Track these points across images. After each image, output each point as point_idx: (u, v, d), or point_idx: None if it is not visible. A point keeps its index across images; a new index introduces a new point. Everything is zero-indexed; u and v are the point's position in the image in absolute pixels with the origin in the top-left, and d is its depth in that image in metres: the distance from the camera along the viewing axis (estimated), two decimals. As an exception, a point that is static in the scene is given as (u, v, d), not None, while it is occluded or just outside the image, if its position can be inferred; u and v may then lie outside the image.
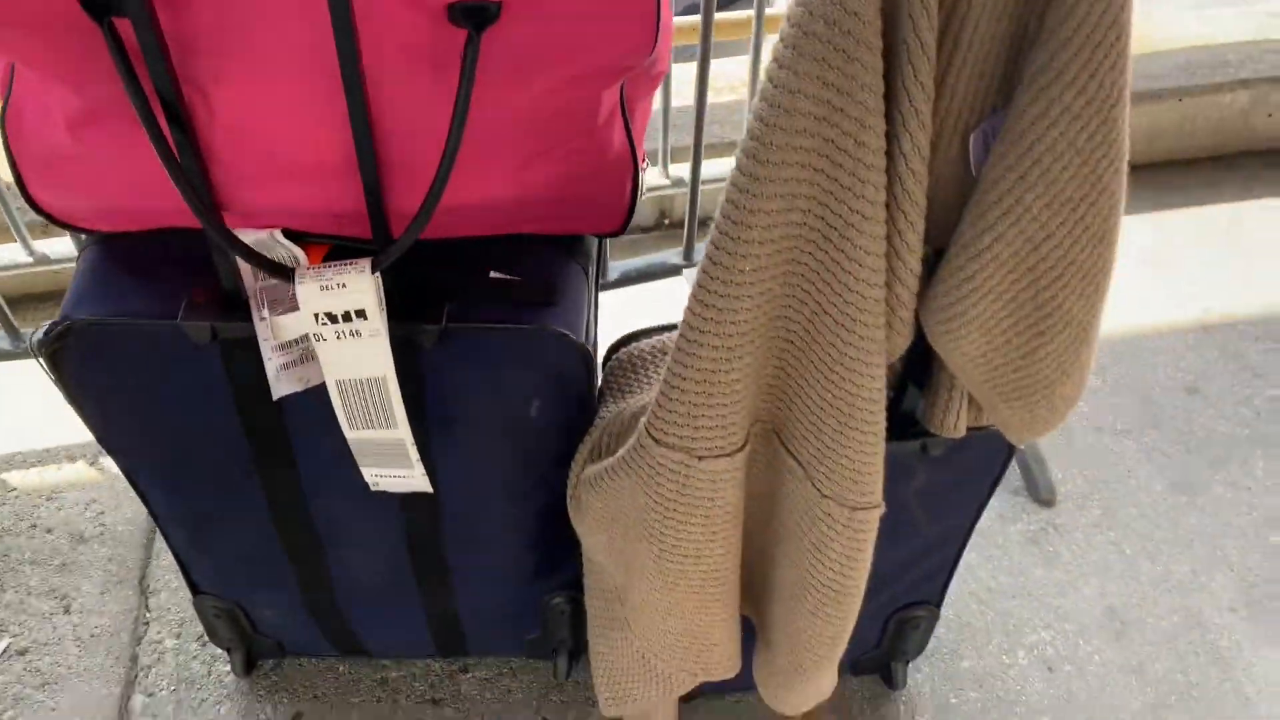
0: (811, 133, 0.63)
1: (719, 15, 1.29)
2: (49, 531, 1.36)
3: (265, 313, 0.76)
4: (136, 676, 1.23)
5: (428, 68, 0.68)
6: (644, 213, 1.85)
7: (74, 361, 0.82)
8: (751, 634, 1.06)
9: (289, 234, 0.79)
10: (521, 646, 1.20)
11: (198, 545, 1.03)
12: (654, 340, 0.98)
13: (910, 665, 1.25)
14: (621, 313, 1.35)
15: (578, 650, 1.21)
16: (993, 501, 1.37)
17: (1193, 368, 1.58)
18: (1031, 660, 1.26)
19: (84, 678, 1.22)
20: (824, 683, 1.02)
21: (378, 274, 0.73)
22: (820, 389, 0.74)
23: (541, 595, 1.11)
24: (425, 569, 1.03)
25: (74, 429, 1.46)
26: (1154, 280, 1.71)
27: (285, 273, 0.73)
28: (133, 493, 1.37)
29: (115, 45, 0.63)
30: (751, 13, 1.49)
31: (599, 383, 0.96)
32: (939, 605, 1.13)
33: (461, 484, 0.93)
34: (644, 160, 0.86)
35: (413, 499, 0.94)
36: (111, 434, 0.90)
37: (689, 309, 0.72)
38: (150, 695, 1.22)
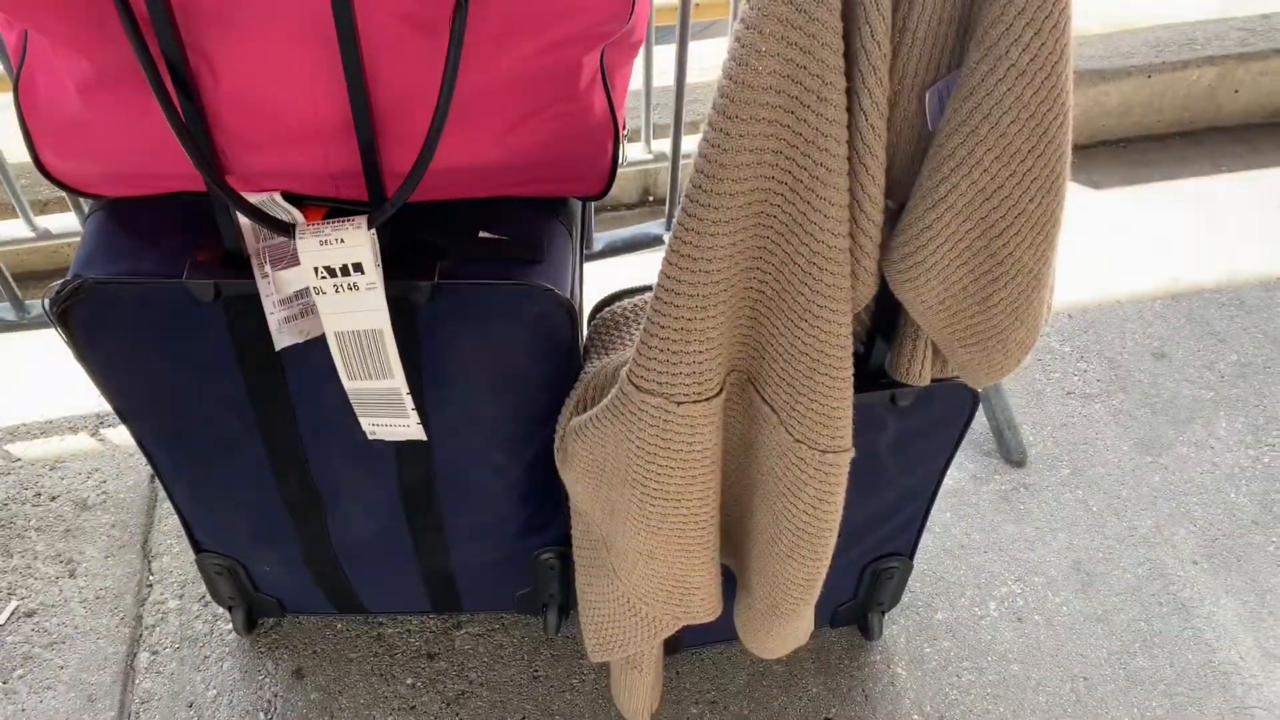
0: (777, 89, 0.68)
1: (698, -7, 1.34)
2: (53, 499, 1.40)
3: (268, 269, 0.81)
4: (141, 636, 1.28)
5: (419, 34, 0.72)
6: (628, 189, 1.89)
7: (83, 319, 0.86)
8: (732, 584, 1.11)
9: (288, 197, 0.83)
10: (513, 602, 1.25)
11: (201, 502, 1.07)
12: (636, 299, 1.03)
13: (886, 617, 1.30)
14: (606, 284, 1.40)
15: (567, 605, 1.26)
16: (966, 463, 1.43)
17: (1160, 334, 1.63)
18: (1002, 612, 1.32)
19: (90, 637, 1.27)
20: (801, 627, 1.07)
21: (373, 230, 0.77)
22: (790, 336, 0.79)
23: (531, 552, 1.15)
24: (420, 525, 1.08)
25: (77, 401, 1.51)
26: (1124, 250, 1.76)
27: (286, 229, 0.77)
28: (134, 461, 1.43)
29: (125, 12, 0.68)
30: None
31: (584, 340, 1.01)
32: (911, 557, 1.18)
33: (454, 436, 0.98)
34: (624, 125, 0.91)
35: (408, 454, 0.98)
36: (118, 392, 0.94)
37: (666, 260, 0.77)
38: (154, 653, 1.26)
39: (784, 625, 1.04)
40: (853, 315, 0.79)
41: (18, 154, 1.71)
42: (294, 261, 0.82)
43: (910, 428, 0.99)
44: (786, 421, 0.85)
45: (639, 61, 1.12)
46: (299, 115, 0.76)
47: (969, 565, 1.36)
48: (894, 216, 0.78)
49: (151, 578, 1.33)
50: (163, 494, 1.40)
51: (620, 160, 0.90)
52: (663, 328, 0.79)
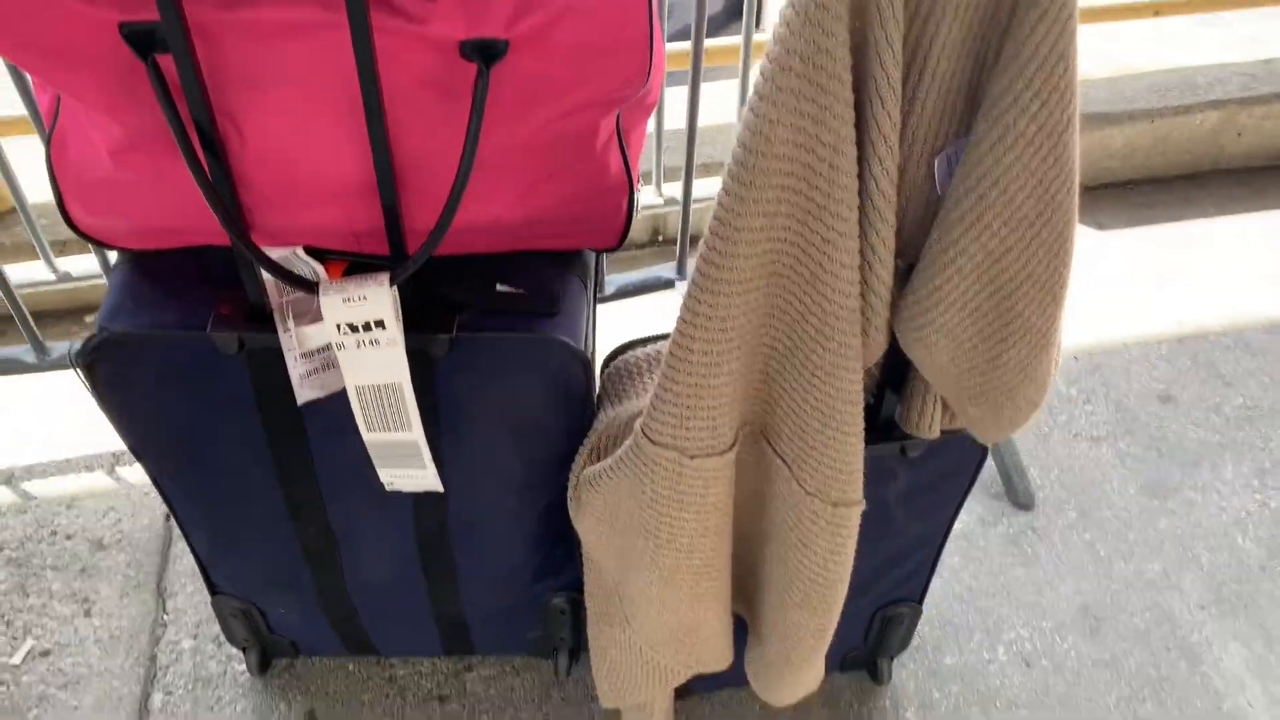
0: (790, 158, 0.69)
1: (709, 41, 1.36)
2: (69, 538, 1.41)
3: (290, 324, 0.83)
4: (155, 676, 1.29)
5: (442, 99, 0.75)
6: (638, 230, 1.91)
7: (109, 371, 0.88)
8: (743, 630, 1.12)
9: (310, 251, 0.85)
10: (524, 645, 1.26)
11: (218, 547, 1.08)
12: (648, 349, 1.05)
13: (895, 661, 1.31)
14: (617, 324, 1.42)
15: (578, 649, 1.27)
16: (974, 506, 1.44)
17: (1166, 376, 1.65)
18: (1010, 656, 1.32)
19: (105, 677, 1.28)
20: (812, 674, 1.08)
21: (395, 287, 0.79)
22: (803, 392, 0.81)
23: (543, 596, 1.16)
24: (434, 570, 1.09)
25: (92, 440, 1.52)
26: (1129, 292, 1.78)
27: (310, 286, 0.79)
28: (149, 501, 1.44)
29: (158, 80, 0.70)
30: (739, 39, 1.56)
31: (597, 389, 1.02)
32: (920, 602, 1.19)
33: (469, 484, 0.99)
34: (638, 181, 0.93)
35: (424, 500, 1.00)
36: (141, 440, 0.96)
37: (681, 317, 0.78)
38: (169, 694, 1.27)
39: (796, 673, 1.04)
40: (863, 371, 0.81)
41: (38, 194, 1.74)
42: (317, 317, 0.84)
43: (920, 478, 1.00)
44: (799, 475, 0.86)
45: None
46: (323, 176, 0.78)
47: (977, 609, 1.37)
48: (903, 275, 0.80)
49: (166, 617, 1.34)
50: (178, 534, 1.42)
51: (634, 214, 0.92)
52: (676, 383, 0.80)
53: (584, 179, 0.86)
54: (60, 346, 1.34)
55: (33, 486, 1.47)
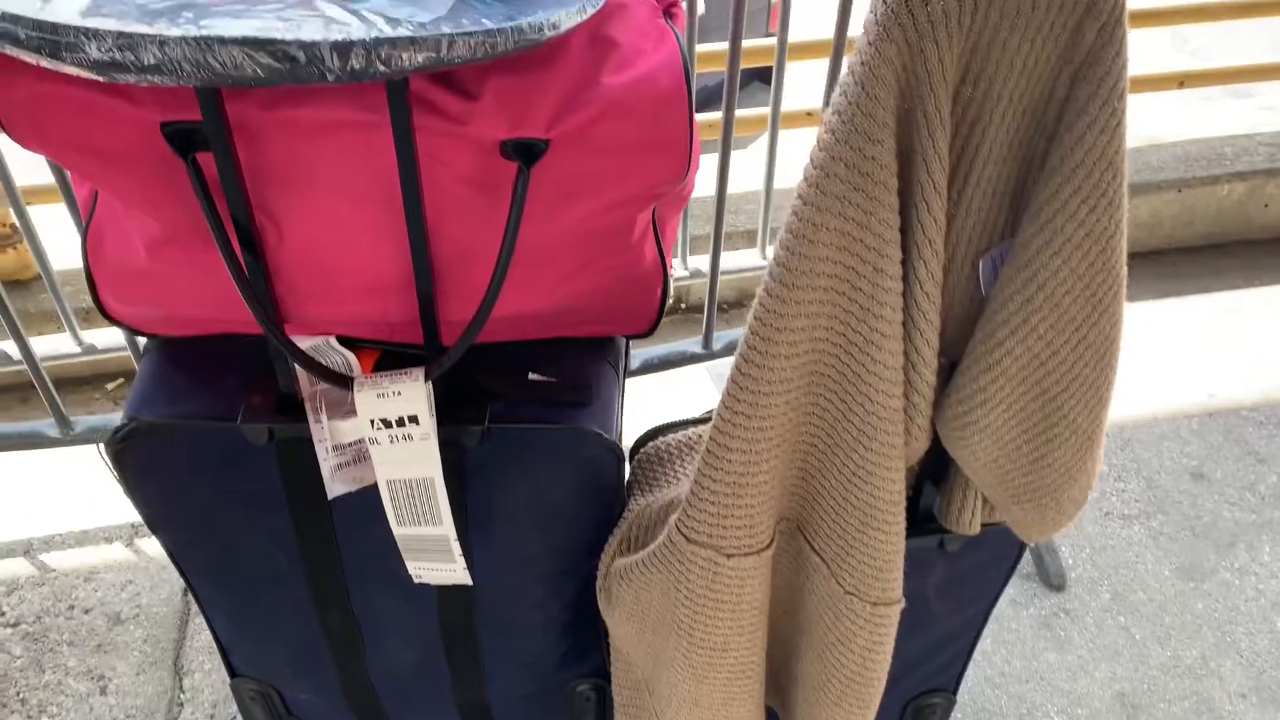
0: (834, 260, 0.69)
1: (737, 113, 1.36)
2: (86, 612, 1.40)
3: (323, 417, 0.82)
4: (171, 757, 1.26)
5: (481, 196, 0.74)
6: (662, 299, 1.91)
7: (137, 460, 0.87)
8: (773, 720, 1.09)
9: (342, 339, 0.85)
10: (547, 731, 1.23)
11: (239, 630, 1.07)
12: (679, 435, 1.03)
13: (927, 750, 1.27)
14: (639, 392, 1.41)
15: (602, 734, 1.24)
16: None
17: (1197, 453, 1.62)
18: (1046, 745, 1.29)
19: (119, 759, 1.26)
20: (844, 769, 1.05)
21: (429, 382, 0.78)
22: (843, 491, 0.79)
23: (569, 683, 1.14)
24: (458, 658, 1.07)
25: (111, 511, 1.51)
26: (1159, 364, 1.76)
27: (344, 381, 0.78)
28: (167, 574, 1.43)
29: (198, 178, 0.70)
30: (767, 110, 1.57)
31: (627, 475, 1.01)
32: (955, 692, 1.16)
33: (496, 574, 0.97)
34: (672, 269, 0.92)
35: (449, 590, 0.98)
36: (167, 527, 0.94)
37: (719, 414, 0.77)
38: (184, 776, 1.25)
39: (828, 770, 1.01)
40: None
41: (63, 260, 1.75)
42: (349, 409, 0.83)
43: (958, 570, 0.98)
44: (837, 573, 0.84)
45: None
46: (360, 271, 0.77)
47: (1010, 695, 1.33)
48: (945, 372, 0.79)
49: (183, 696, 1.32)
50: (195, 609, 1.40)
51: (667, 301, 0.92)
52: (715, 480, 0.79)
53: (619, 270, 0.85)
54: (84, 420, 1.33)
55: (51, 558, 1.46)
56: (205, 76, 0.58)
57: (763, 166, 1.46)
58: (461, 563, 0.89)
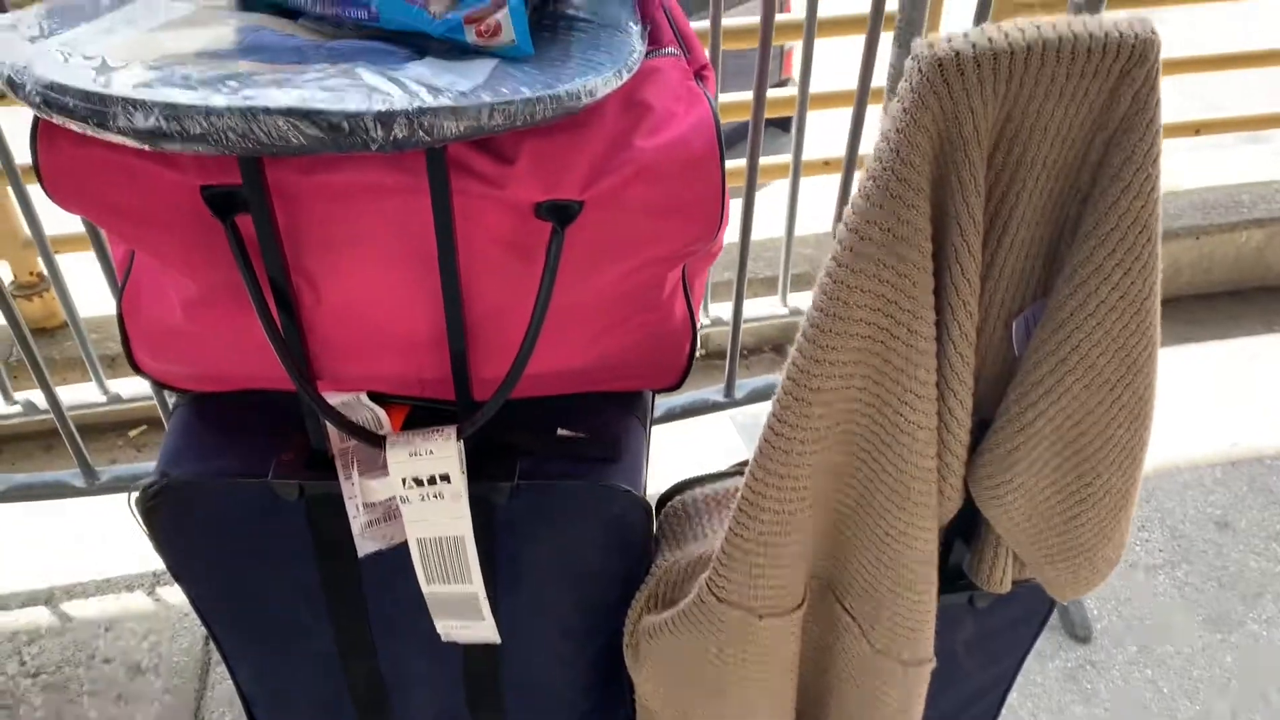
0: (868, 320, 0.69)
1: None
2: (107, 662, 1.39)
3: (354, 474, 0.82)
4: (190, 811, 1.25)
5: (514, 256, 0.75)
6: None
7: (168, 516, 0.87)
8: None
9: (372, 395, 0.85)
10: (570, 785, 1.22)
11: (264, 684, 1.06)
12: (706, 490, 1.03)
13: (954, 806, 1.25)
14: (660, 439, 1.40)
15: (625, 789, 1.23)
16: (1031, 639, 1.39)
17: (1221, 502, 1.61)
18: (1075, 802, 1.27)
19: (138, 812, 1.25)
20: (873, 828, 1.03)
21: (461, 440, 0.78)
22: (875, 551, 0.79)
23: (593, 736, 1.13)
24: (483, 714, 1.06)
25: (132, 559, 1.51)
26: (1180, 414, 1.75)
27: (376, 439, 0.78)
28: (188, 623, 1.42)
29: (236, 241, 0.70)
30: (785, 158, 1.58)
31: (654, 530, 1.01)
32: (983, 748, 1.14)
33: (522, 629, 0.97)
34: (700, 324, 0.92)
35: (475, 647, 0.97)
36: (195, 581, 0.94)
37: (750, 474, 0.77)
38: (203, 831, 1.23)
39: (857, 830, 1.00)
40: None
41: (88, 308, 1.76)
42: (380, 464, 0.83)
43: (988, 626, 0.97)
44: (869, 633, 0.83)
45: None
46: (394, 329, 0.78)
47: (1038, 750, 1.32)
48: (977, 430, 0.79)
49: (202, 748, 1.31)
50: (216, 658, 1.39)
51: (695, 355, 0.92)
52: (746, 540, 0.78)
53: (649, 327, 0.85)
54: (109, 470, 1.34)
55: (72, 607, 1.46)
56: (250, 146, 0.59)
57: (777, 213, 1.46)
58: (490, 621, 0.88)
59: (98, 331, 1.74)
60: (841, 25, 1.60)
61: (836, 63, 1.78)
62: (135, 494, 0.87)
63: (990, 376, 0.76)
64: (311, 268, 0.74)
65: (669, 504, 1.03)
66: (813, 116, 1.40)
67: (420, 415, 0.86)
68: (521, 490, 0.86)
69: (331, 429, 0.84)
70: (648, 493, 0.91)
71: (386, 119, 0.59)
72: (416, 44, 0.70)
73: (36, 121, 0.68)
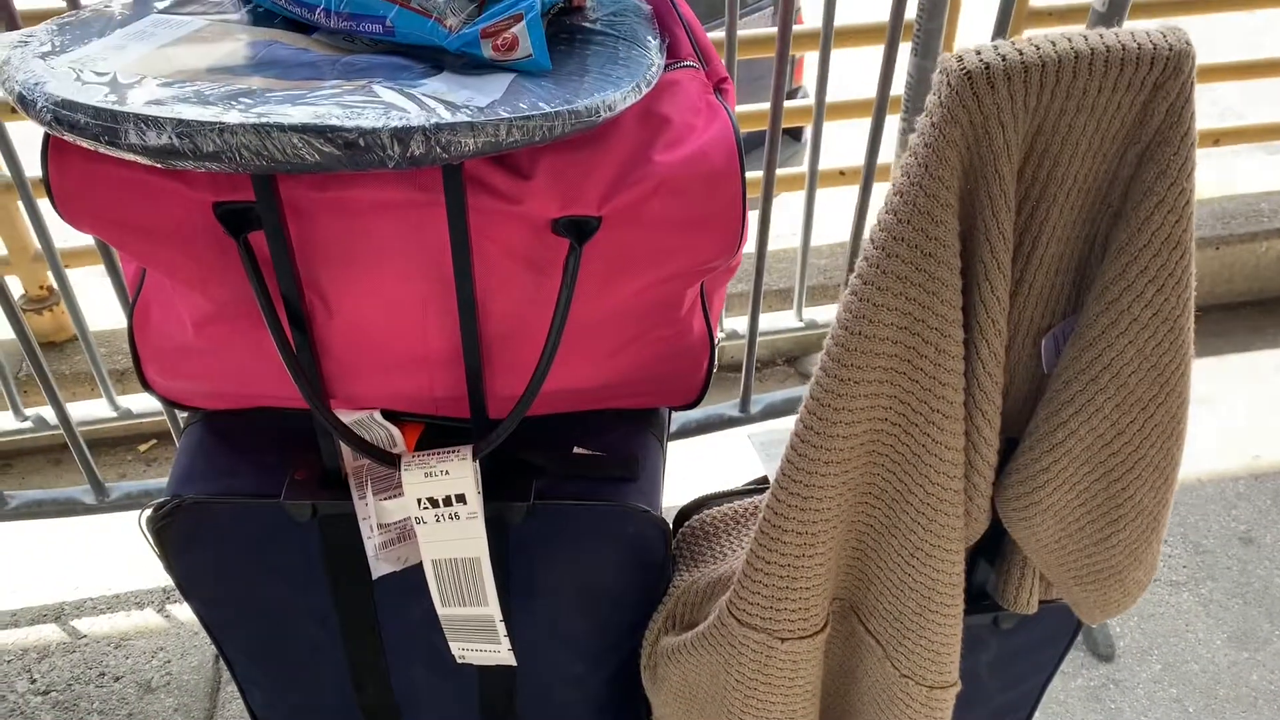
0: (894, 340, 0.67)
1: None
2: (117, 680, 1.38)
3: (368, 494, 0.80)
4: (200, 832, 1.24)
5: (530, 273, 0.73)
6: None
7: (179, 536, 0.86)
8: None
9: (386, 414, 0.84)
10: (585, 806, 1.20)
11: (276, 705, 1.05)
12: (724, 508, 1.01)
13: (976, 828, 1.23)
14: (673, 453, 1.39)
15: (641, 810, 1.21)
16: (1053, 657, 1.37)
17: (1245, 516, 1.58)
18: (1100, 824, 1.25)
19: (148, 833, 1.23)
20: None
21: (477, 460, 0.77)
22: (900, 573, 0.77)
23: (608, 757, 1.11)
24: (497, 732, 1.05)
25: (142, 576, 1.50)
26: (1202, 427, 1.73)
27: (390, 459, 0.77)
28: (198, 640, 1.41)
29: (249, 258, 0.69)
30: (799, 169, 1.57)
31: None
32: (1006, 770, 1.12)
33: (538, 651, 0.95)
34: (718, 340, 0.91)
35: (490, 668, 0.96)
36: (206, 601, 0.93)
37: (773, 495, 0.75)
38: None
39: None
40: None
41: (98, 322, 1.76)
42: (394, 483, 0.81)
43: (1012, 647, 0.95)
44: (893, 656, 0.82)
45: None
46: (408, 347, 0.77)
47: (1061, 770, 1.29)
48: (1004, 449, 0.77)
49: (213, 768, 1.30)
50: (226, 676, 1.38)
51: (713, 371, 0.90)
52: (768, 563, 0.77)
53: (667, 344, 0.84)
54: (119, 486, 1.33)
55: (82, 624, 1.44)
56: (264, 164, 0.58)
57: (787, 224, 1.45)
58: (506, 644, 0.87)
59: (107, 345, 1.73)
60: (858, 35, 1.58)
61: (845, 72, 1.76)
62: (146, 513, 0.86)
63: (1019, 395, 0.74)
64: (325, 285, 0.72)
65: (686, 523, 1.01)
66: (825, 126, 1.39)
67: (433, 433, 0.85)
68: (537, 510, 0.84)
69: (345, 448, 0.83)
70: (662, 509, 0.89)
71: (403, 136, 0.58)
72: (432, 58, 0.69)
73: (47, 138, 0.67)
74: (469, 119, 0.59)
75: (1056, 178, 0.64)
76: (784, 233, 1.91)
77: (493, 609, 0.84)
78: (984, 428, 0.71)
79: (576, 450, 0.89)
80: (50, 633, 1.43)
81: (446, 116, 0.59)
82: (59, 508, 1.31)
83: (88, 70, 0.63)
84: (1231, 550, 1.54)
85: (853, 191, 1.74)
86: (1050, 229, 0.66)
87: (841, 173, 1.79)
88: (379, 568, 0.83)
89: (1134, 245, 0.64)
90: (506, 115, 0.61)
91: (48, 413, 1.32)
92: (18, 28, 0.99)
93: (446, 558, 0.80)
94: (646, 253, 0.74)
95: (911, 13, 1.23)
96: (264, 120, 0.58)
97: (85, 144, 0.59)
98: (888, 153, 1.38)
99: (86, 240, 1.48)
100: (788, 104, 1.51)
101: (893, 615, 0.80)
